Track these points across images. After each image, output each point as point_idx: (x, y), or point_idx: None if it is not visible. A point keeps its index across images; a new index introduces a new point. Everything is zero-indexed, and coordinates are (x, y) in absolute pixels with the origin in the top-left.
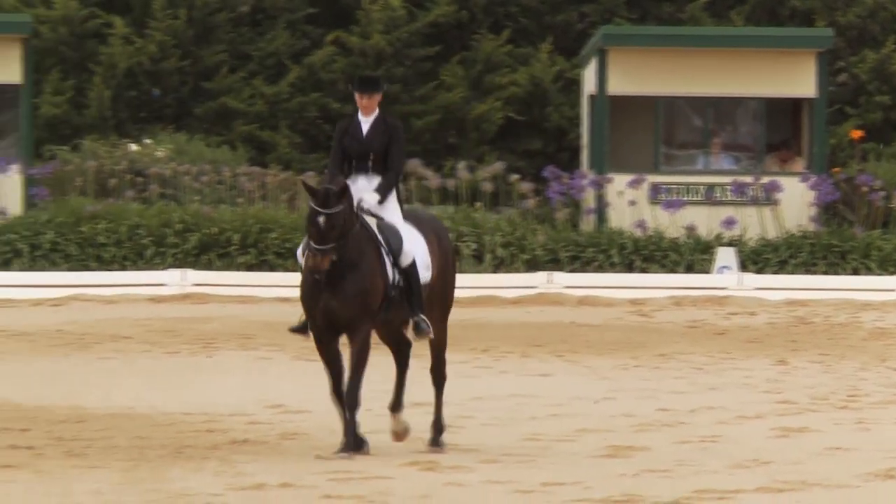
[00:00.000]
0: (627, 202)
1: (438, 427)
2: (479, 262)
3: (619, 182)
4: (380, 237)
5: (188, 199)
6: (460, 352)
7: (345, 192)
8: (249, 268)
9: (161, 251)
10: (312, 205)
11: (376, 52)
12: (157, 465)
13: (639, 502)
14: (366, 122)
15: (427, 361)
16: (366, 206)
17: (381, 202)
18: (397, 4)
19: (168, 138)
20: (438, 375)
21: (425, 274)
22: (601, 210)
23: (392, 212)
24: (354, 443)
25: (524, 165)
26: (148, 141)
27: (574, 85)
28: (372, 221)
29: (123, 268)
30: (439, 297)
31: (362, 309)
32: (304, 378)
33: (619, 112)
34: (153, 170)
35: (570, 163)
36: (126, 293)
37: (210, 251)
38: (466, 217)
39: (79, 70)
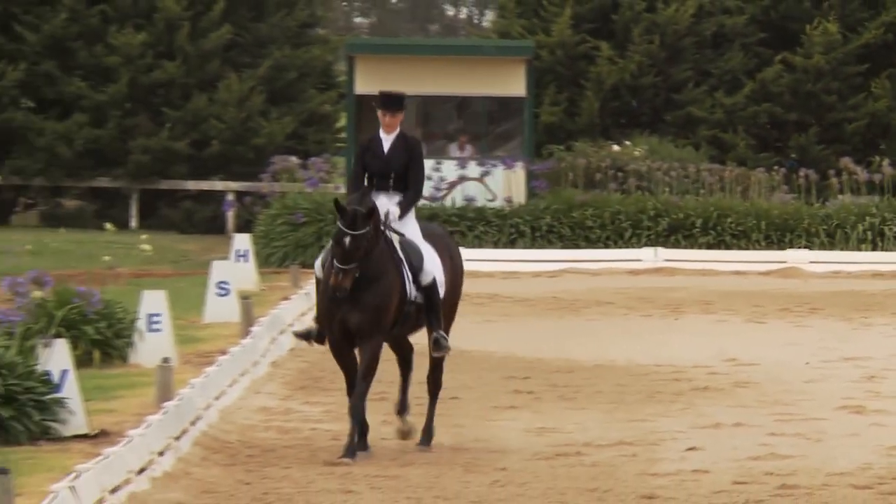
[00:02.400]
0: None
1: (429, 433)
2: None
3: None
4: (401, 255)
5: (660, 190)
6: (883, 315)
7: (372, 214)
8: (710, 246)
9: (637, 233)
10: (340, 225)
11: (816, 69)
12: (632, 407)
13: None
14: (387, 140)
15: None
16: (391, 218)
17: (401, 217)
18: (834, 30)
19: (643, 140)
20: (434, 383)
21: (440, 291)
22: None
23: (412, 228)
24: (359, 446)
25: None
26: (627, 143)
27: None
28: (395, 238)
29: (606, 246)
30: (445, 312)
31: (376, 322)
32: (755, 336)
33: None
34: (631, 166)
35: None
36: (609, 267)
37: (677, 233)
38: (890, 205)
39: (571, 85)
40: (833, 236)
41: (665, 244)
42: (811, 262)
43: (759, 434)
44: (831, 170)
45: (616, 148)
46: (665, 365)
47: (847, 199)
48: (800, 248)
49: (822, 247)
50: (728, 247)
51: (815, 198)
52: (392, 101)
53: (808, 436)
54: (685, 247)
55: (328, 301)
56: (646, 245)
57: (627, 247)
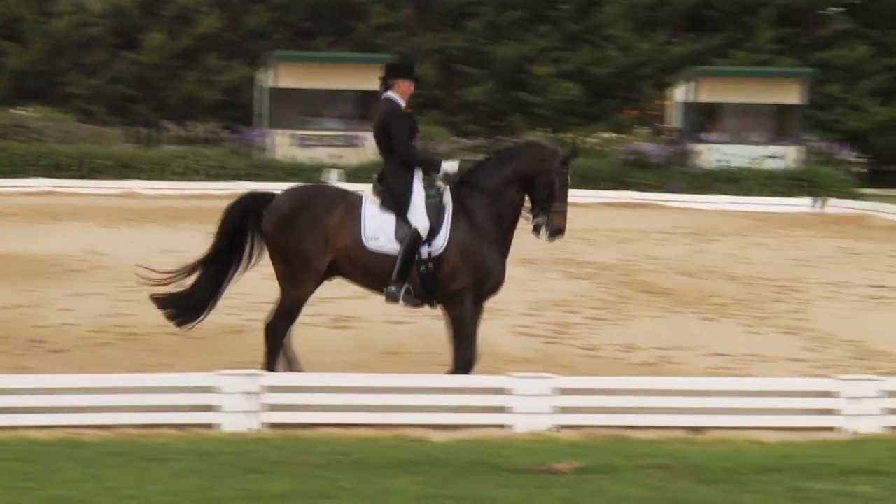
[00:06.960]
0: None
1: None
2: None
3: None
4: None
5: (49, 140)
6: (192, 223)
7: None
8: (72, 178)
9: (33, 168)
10: (561, 164)
11: (152, 65)
12: (27, 282)
13: None
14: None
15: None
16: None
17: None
18: (159, 38)
19: (40, 108)
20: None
21: None
22: None
23: None
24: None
25: None
26: (30, 108)
27: None
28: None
29: (11, 177)
30: None
31: None
32: (110, 237)
33: None
34: (32, 125)
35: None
36: (13, 191)
37: (59, 169)
38: (195, 152)
39: None
40: (162, 172)
41: (50, 176)
42: (145, 189)
43: (112, 300)
44: (160, 128)
45: (23, 112)
46: (49, 255)
47: (170, 147)
48: (139, 179)
49: (153, 178)
50: (86, 178)
51: (149, 146)
52: (414, 71)
53: (143, 302)
54: (66, 178)
55: (497, 256)
56: (37, 177)
57: (27, 177)
